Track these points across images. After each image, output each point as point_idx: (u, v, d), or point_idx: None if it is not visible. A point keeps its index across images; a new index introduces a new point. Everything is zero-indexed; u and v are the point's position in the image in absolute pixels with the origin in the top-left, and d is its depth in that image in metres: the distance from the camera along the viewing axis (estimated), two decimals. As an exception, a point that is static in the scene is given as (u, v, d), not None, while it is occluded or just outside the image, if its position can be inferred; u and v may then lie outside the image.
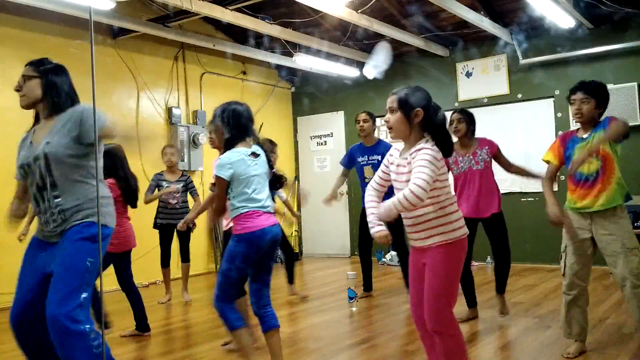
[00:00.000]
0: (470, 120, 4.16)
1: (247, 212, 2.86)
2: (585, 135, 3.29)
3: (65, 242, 2.46)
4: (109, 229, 2.60)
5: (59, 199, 2.49)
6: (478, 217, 4.11)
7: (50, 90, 2.63)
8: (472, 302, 4.30)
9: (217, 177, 2.85)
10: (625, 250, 3.03)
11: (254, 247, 2.85)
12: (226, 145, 2.95)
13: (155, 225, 5.61)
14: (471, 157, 4.14)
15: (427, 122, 2.49)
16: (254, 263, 2.91)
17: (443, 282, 2.41)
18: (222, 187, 2.87)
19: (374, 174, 3.80)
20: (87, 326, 2.32)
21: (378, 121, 5.66)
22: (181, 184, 5.54)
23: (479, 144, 4.16)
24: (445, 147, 2.44)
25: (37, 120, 2.71)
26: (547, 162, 3.45)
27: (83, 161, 2.54)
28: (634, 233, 3.18)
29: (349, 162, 5.37)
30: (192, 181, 5.67)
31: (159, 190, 5.47)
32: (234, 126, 2.95)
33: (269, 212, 2.95)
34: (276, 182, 3.08)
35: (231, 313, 2.87)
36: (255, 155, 2.95)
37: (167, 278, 5.73)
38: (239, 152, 2.89)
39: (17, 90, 2.65)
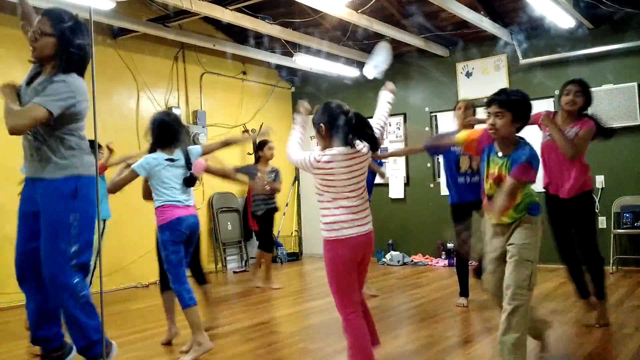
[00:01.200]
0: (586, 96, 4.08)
1: (162, 205, 3.42)
2: (500, 154, 2.85)
3: (46, 199, 2.54)
4: (85, 177, 2.62)
5: (40, 139, 2.58)
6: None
7: (62, 53, 2.61)
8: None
9: (132, 169, 3.39)
10: (518, 260, 2.81)
11: (174, 233, 3.39)
12: (149, 149, 3.52)
13: (255, 215, 6.17)
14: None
15: (334, 131, 2.83)
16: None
17: (328, 277, 2.92)
18: (132, 177, 3.41)
19: (469, 165, 4.44)
20: (75, 280, 2.50)
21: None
22: (273, 175, 6.00)
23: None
24: (371, 145, 2.82)
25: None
26: (458, 142, 3.12)
27: (64, 124, 2.59)
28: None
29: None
30: (279, 173, 6.13)
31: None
32: (157, 135, 3.51)
33: (185, 205, 3.49)
34: (189, 181, 3.54)
35: (186, 293, 3.39)
36: (172, 160, 3.47)
37: (269, 263, 6.20)
38: (157, 158, 3.43)
39: (32, 41, 2.63)
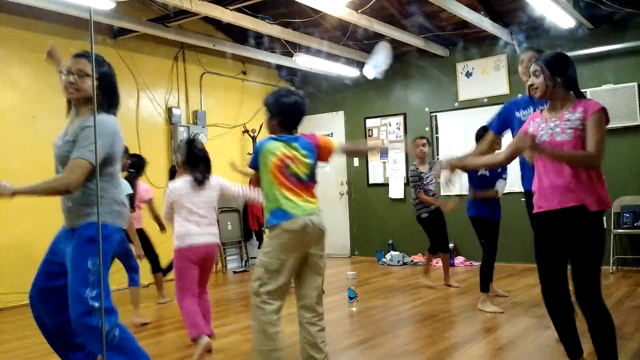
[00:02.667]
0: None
1: None
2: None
3: (72, 243, 2.54)
4: (109, 227, 2.58)
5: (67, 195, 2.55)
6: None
7: (102, 95, 2.61)
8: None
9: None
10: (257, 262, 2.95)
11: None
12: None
13: (420, 218, 5.77)
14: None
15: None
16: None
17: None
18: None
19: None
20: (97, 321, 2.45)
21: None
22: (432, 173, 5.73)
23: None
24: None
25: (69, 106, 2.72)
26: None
27: (104, 168, 2.57)
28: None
29: (502, 123, 3.95)
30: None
31: (422, 182, 5.67)
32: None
33: None
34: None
35: None
36: None
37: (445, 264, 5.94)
38: None
39: (71, 82, 2.57)
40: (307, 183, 2.94)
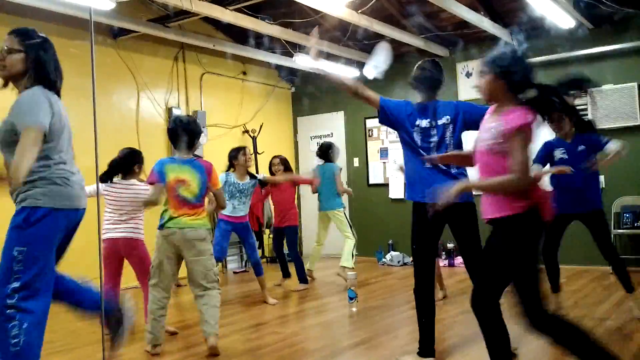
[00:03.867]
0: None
1: None
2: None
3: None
4: (40, 210, 2.43)
5: (9, 176, 2.45)
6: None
7: (33, 68, 2.52)
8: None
9: None
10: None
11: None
12: None
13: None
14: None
15: None
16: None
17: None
18: None
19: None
20: (16, 319, 2.32)
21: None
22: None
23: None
24: None
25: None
26: None
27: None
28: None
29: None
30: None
31: None
32: None
33: None
34: None
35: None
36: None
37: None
38: None
39: None
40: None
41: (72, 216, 2.57)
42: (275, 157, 6.31)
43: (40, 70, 2.54)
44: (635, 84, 6.33)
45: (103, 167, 3.91)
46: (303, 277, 6.08)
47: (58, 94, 2.62)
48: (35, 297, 2.40)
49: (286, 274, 6.26)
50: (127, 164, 4.11)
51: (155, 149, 6.94)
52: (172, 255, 3.68)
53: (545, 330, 2.37)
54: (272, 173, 6.28)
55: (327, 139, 8.93)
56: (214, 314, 3.67)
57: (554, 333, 2.36)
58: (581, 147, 4.13)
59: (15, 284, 2.36)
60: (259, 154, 8.13)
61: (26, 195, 2.44)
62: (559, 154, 4.20)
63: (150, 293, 3.70)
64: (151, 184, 3.70)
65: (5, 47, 2.52)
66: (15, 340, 2.31)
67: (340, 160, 8.73)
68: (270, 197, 6.39)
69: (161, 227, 3.67)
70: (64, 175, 2.53)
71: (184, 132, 3.71)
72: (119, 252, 4.06)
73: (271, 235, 7.45)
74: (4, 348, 2.33)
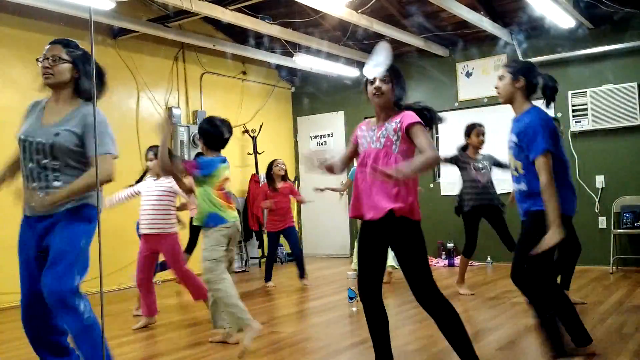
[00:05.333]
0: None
1: None
2: None
3: (63, 222, 2.60)
4: (94, 207, 2.66)
5: (58, 182, 2.60)
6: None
7: (80, 79, 2.70)
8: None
9: None
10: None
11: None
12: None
13: (460, 210, 5.15)
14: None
15: None
16: None
17: None
18: None
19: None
20: (82, 302, 2.54)
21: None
22: (486, 162, 5.18)
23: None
24: None
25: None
26: None
27: (82, 149, 2.64)
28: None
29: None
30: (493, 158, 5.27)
31: (468, 170, 5.10)
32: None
33: None
34: None
35: None
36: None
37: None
38: None
39: (46, 67, 2.64)
40: None
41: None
42: (278, 160, 6.34)
43: (84, 82, 2.73)
44: (635, 84, 6.33)
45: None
46: (304, 274, 6.13)
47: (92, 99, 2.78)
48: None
49: (269, 278, 6.23)
50: None
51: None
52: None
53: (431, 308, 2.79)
54: (270, 175, 6.25)
55: (327, 139, 8.96)
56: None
57: (437, 312, 2.78)
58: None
59: (83, 274, 2.59)
60: (259, 154, 8.14)
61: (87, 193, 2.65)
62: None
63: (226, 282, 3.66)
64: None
65: (53, 55, 2.65)
66: (87, 316, 2.53)
67: (340, 160, 8.73)
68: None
69: (224, 221, 3.74)
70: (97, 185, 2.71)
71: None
72: (155, 247, 4.39)
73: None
74: (78, 324, 2.52)
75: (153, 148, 4.41)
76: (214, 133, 3.80)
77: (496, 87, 3.13)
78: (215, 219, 3.70)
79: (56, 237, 2.57)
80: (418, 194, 2.75)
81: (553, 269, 3.11)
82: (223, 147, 3.91)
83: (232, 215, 3.79)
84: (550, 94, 3.12)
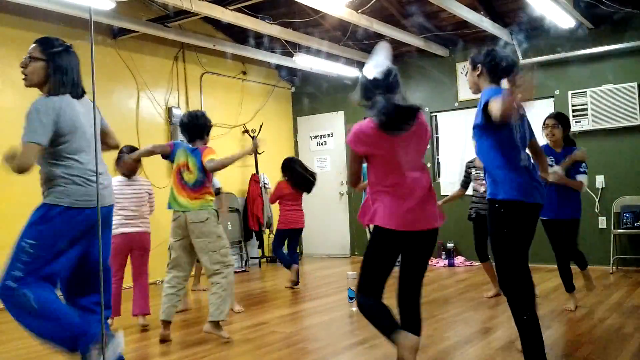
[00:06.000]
0: None
1: None
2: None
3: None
4: (59, 208, 2.61)
5: (40, 173, 2.67)
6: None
7: (54, 76, 2.66)
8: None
9: None
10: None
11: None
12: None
13: (469, 217, 5.23)
14: None
15: None
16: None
17: None
18: None
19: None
20: (22, 291, 2.52)
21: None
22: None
23: None
24: None
25: None
26: None
27: (52, 147, 2.62)
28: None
29: None
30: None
31: (471, 179, 5.16)
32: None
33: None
34: None
35: None
36: None
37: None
38: None
39: (22, 67, 2.69)
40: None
41: (93, 214, 2.67)
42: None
43: (59, 77, 2.67)
44: (635, 84, 6.32)
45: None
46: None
47: (81, 95, 2.77)
48: (36, 286, 2.56)
49: (290, 264, 6.12)
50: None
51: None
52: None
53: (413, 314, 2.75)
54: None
55: (327, 139, 8.96)
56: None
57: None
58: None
59: (16, 273, 2.53)
60: (259, 154, 8.13)
61: (48, 192, 2.63)
62: (547, 161, 3.88)
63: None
64: None
65: (28, 56, 2.68)
66: (30, 304, 2.50)
67: (340, 160, 8.74)
68: (279, 201, 6.25)
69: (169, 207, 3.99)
70: (83, 175, 2.65)
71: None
72: (129, 247, 4.39)
73: (271, 236, 7.45)
74: (26, 317, 2.53)
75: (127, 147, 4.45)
76: (184, 124, 4.09)
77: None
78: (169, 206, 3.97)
79: None
80: None
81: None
82: (197, 137, 4.07)
83: (180, 205, 3.90)
84: (507, 68, 2.87)
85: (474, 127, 2.86)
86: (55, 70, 2.66)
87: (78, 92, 2.75)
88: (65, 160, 2.63)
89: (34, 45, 2.71)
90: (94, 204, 2.64)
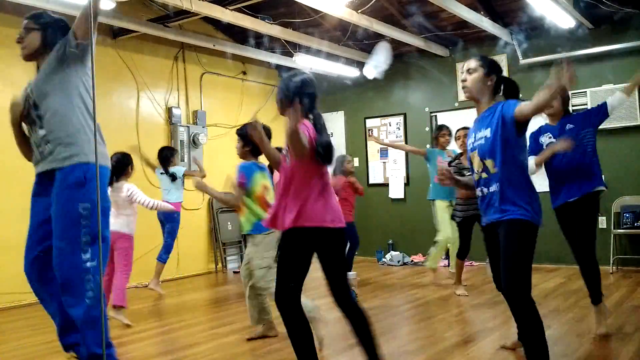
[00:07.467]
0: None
1: None
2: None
3: (56, 191, 2.49)
4: (104, 168, 2.60)
5: (43, 131, 2.55)
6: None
7: (50, 43, 2.67)
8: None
9: None
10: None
11: None
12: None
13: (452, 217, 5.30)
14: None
15: None
16: None
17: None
18: None
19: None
20: (89, 274, 2.46)
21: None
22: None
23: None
24: None
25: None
26: None
27: (69, 77, 2.59)
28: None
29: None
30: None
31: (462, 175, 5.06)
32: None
33: None
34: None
35: None
36: None
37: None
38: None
39: (18, 42, 2.69)
40: None
41: (108, 173, 2.69)
42: (348, 156, 6.35)
43: (53, 39, 2.68)
44: (635, 84, 6.32)
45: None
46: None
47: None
48: (94, 244, 2.50)
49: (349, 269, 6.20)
50: (122, 167, 4.59)
51: (155, 148, 6.94)
52: None
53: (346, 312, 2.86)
54: (341, 171, 6.20)
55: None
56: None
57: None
58: (569, 126, 3.63)
59: (86, 238, 2.47)
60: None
61: (75, 150, 2.52)
62: (545, 139, 3.69)
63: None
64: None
65: (23, 29, 2.70)
66: (90, 293, 2.46)
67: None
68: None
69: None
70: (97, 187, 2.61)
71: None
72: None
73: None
74: (80, 299, 2.46)
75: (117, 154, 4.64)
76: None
77: (463, 81, 2.84)
78: (259, 227, 3.70)
79: (53, 209, 2.57)
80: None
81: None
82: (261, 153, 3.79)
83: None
84: (515, 93, 2.82)
85: (495, 134, 2.64)
86: (52, 37, 2.67)
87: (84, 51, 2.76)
88: (85, 118, 2.60)
89: (26, 19, 2.73)
90: (109, 164, 2.71)
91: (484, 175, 2.69)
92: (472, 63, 2.81)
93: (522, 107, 2.52)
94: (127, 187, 4.63)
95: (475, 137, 2.80)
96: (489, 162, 2.66)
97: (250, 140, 3.64)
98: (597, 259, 3.56)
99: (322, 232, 2.63)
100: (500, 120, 2.61)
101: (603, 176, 3.74)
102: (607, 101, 3.69)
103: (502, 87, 2.82)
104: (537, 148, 3.66)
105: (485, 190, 2.71)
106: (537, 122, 3.23)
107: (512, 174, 2.60)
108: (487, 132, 2.68)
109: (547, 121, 3.79)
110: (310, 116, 2.67)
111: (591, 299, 3.62)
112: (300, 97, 2.70)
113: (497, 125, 2.62)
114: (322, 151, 2.54)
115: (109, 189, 4.38)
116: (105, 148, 2.74)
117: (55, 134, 2.53)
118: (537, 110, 2.48)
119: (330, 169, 2.80)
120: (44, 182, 2.60)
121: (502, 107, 2.64)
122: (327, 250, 2.72)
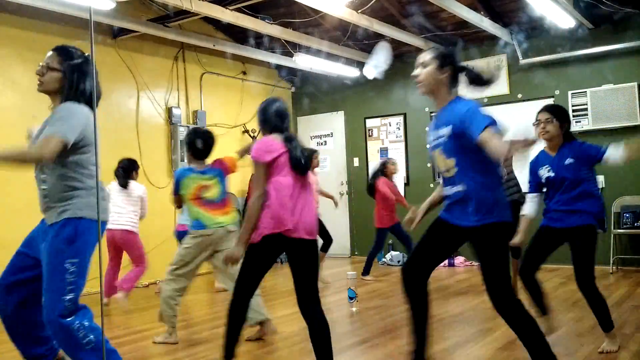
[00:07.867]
0: None
1: None
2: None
3: (48, 242, 2.50)
4: (85, 221, 2.51)
5: (45, 185, 2.55)
6: None
7: (69, 88, 2.61)
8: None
9: None
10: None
11: None
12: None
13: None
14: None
15: None
16: None
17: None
18: None
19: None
20: (77, 322, 2.43)
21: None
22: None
23: None
24: None
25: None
26: None
27: (76, 154, 2.53)
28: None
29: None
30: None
31: None
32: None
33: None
34: None
35: None
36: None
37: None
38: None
39: (38, 74, 2.64)
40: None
41: (103, 228, 2.71)
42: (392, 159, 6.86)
43: (74, 90, 2.61)
44: (635, 84, 6.32)
45: (103, 167, 3.90)
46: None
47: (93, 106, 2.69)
48: (83, 313, 2.50)
49: (368, 272, 6.51)
50: (130, 170, 5.22)
51: (155, 148, 6.95)
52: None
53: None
54: (385, 173, 6.73)
55: (327, 139, 8.96)
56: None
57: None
58: (569, 160, 3.38)
59: (71, 295, 2.45)
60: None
61: (65, 206, 2.50)
62: (544, 172, 3.44)
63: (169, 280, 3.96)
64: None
65: (46, 64, 2.63)
66: (87, 339, 2.43)
67: (340, 160, 8.74)
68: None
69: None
70: (94, 187, 2.61)
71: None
72: (116, 242, 5.14)
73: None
74: (80, 351, 2.43)
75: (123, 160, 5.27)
76: (190, 143, 4.04)
77: (416, 76, 2.74)
78: (196, 225, 3.97)
79: (43, 257, 2.51)
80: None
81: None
82: (205, 156, 4.10)
83: (213, 222, 3.98)
84: (484, 81, 2.76)
85: (455, 133, 2.55)
86: (73, 82, 2.61)
87: (93, 105, 2.69)
88: (87, 170, 2.56)
89: (51, 53, 2.65)
90: (106, 219, 2.72)
91: (447, 174, 2.62)
92: (426, 56, 2.68)
93: (486, 141, 2.33)
94: (143, 188, 5.30)
95: (435, 135, 2.67)
96: (450, 162, 2.58)
97: (191, 145, 4.01)
98: (598, 290, 3.31)
99: (284, 240, 2.83)
100: (461, 131, 2.49)
101: (602, 177, 3.67)
102: (608, 151, 3.53)
103: (467, 79, 2.70)
104: (535, 181, 3.51)
105: (450, 189, 2.63)
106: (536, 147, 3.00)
107: (475, 172, 2.51)
108: (447, 131, 2.57)
109: (545, 147, 3.50)
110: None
111: (601, 327, 3.34)
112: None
113: (458, 129, 2.51)
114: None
115: (122, 190, 5.15)
116: (108, 204, 2.79)
117: (52, 189, 2.54)
118: (494, 157, 2.34)
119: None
120: (45, 226, 2.62)
121: (468, 122, 2.48)
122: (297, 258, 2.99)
